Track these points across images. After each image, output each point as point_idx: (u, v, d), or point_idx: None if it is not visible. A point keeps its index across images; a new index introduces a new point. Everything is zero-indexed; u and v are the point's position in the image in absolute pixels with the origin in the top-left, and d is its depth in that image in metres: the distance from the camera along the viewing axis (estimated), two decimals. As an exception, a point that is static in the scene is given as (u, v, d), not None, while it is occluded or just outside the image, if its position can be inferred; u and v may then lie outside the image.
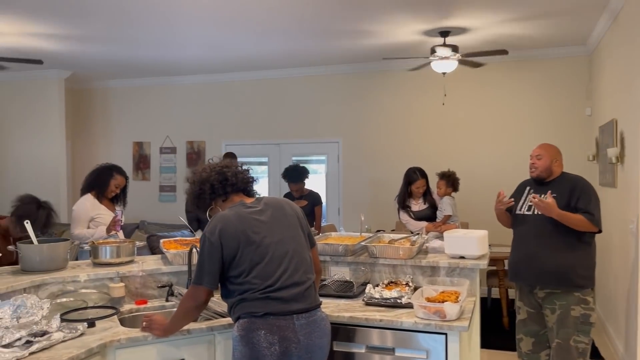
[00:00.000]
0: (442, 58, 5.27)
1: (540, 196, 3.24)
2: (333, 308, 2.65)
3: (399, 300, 2.64)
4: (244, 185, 2.43)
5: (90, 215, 4.06)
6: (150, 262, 3.08)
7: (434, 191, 5.00)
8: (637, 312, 3.63)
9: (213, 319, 2.56)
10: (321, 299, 2.36)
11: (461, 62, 5.42)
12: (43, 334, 2.17)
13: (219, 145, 7.62)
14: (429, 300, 2.55)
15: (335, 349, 2.55)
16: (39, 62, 5.40)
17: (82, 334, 2.29)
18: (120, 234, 4.18)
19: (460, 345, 2.41)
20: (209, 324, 2.46)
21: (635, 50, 3.88)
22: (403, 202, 4.92)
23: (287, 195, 5.62)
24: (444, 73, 5.56)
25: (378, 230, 5.76)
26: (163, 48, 6.04)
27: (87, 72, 7.53)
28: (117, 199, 4.26)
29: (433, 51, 5.30)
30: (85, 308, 2.59)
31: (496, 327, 5.22)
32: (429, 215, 4.87)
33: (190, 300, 2.23)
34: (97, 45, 5.91)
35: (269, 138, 7.49)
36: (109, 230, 4.03)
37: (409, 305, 2.58)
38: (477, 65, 5.57)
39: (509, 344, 4.30)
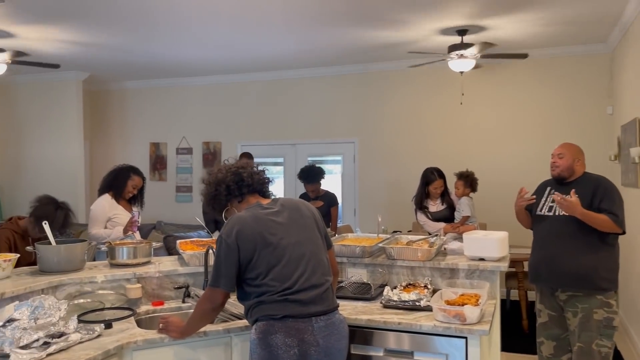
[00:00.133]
0: (459, 57, 5.21)
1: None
2: (350, 310, 2.61)
3: (417, 303, 2.59)
4: (260, 186, 2.41)
5: (107, 215, 4.08)
6: (167, 263, 3.08)
7: (451, 192, 4.93)
8: (662, 315, 3.54)
9: (229, 320, 2.55)
10: (338, 301, 2.33)
11: (487, 57, 5.33)
12: (60, 335, 2.17)
13: (235, 146, 7.63)
14: (448, 303, 2.50)
15: (352, 352, 2.52)
16: (56, 66, 5.45)
17: (99, 335, 2.29)
18: (137, 235, 4.20)
19: (481, 349, 2.37)
20: (226, 326, 2.44)
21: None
22: (420, 203, 4.86)
23: (302, 196, 5.59)
24: (461, 72, 5.49)
25: (394, 231, 5.72)
26: (179, 49, 6.06)
27: (105, 74, 7.59)
28: (135, 199, 4.27)
29: (450, 50, 5.24)
30: (102, 309, 2.59)
31: (516, 329, 5.14)
32: (447, 216, 4.81)
33: (206, 303, 2.21)
34: (114, 47, 5.95)
35: (284, 138, 7.48)
36: (125, 230, 4.04)
37: (428, 308, 2.54)
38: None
39: (529, 347, 4.22)
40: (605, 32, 5.50)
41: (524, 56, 5.18)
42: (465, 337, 2.35)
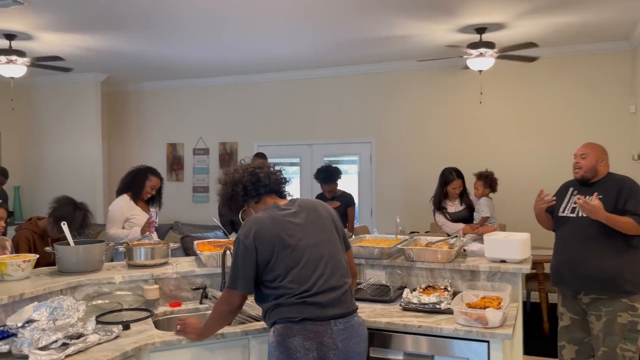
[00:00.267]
0: (478, 55, 5.14)
1: (586, 197, 3.10)
2: (369, 313, 2.58)
3: (437, 306, 2.55)
4: (277, 186, 2.38)
5: (125, 216, 4.10)
6: (184, 264, 3.07)
7: (470, 192, 4.86)
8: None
9: (247, 322, 2.53)
10: (357, 304, 2.29)
11: (500, 57, 5.26)
12: (79, 336, 2.17)
13: (251, 146, 7.63)
14: (469, 306, 2.45)
15: (371, 355, 2.48)
16: (68, 69, 5.51)
17: (117, 337, 2.28)
18: (154, 235, 4.21)
19: (503, 353, 2.31)
20: (243, 328, 2.42)
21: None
22: (439, 204, 4.79)
23: (319, 196, 5.56)
24: (480, 71, 5.42)
25: (412, 232, 5.67)
26: (196, 50, 6.08)
27: (123, 75, 7.65)
28: (153, 200, 4.29)
29: (469, 48, 5.17)
30: (120, 310, 2.59)
31: (536, 332, 5.06)
32: (466, 216, 4.74)
33: (224, 305, 2.19)
34: (132, 49, 5.98)
35: (300, 139, 7.46)
36: (143, 231, 4.06)
37: (449, 311, 2.49)
38: (531, 59, 5.36)
39: (550, 351, 4.15)
40: (628, 29, 5.39)
41: (533, 45, 5.05)
42: (488, 341, 2.30)
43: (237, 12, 4.68)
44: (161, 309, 2.75)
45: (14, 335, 2.13)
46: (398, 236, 3.42)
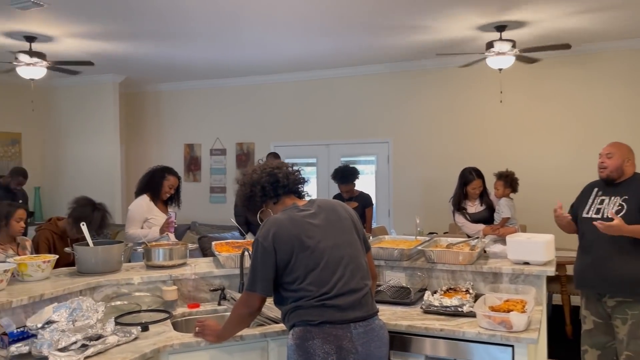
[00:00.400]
0: (498, 53, 5.06)
1: (610, 199, 3.02)
2: (390, 315, 2.54)
3: (460, 309, 2.50)
4: (295, 186, 2.34)
5: (145, 215, 4.11)
6: (202, 265, 3.06)
7: (491, 192, 4.78)
8: None
9: (266, 324, 2.50)
10: (377, 306, 2.25)
11: (518, 57, 5.18)
12: (98, 337, 2.17)
13: (268, 147, 7.62)
14: (493, 309, 2.39)
15: (391, 358, 2.44)
16: (90, 63, 5.51)
17: (136, 338, 2.28)
18: (172, 236, 4.21)
19: (528, 358, 2.25)
20: (262, 330, 2.40)
21: None
22: (458, 204, 4.72)
23: (336, 197, 5.52)
24: (500, 69, 5.34)
25: (430, 233, 5.60)
26: (213, 50, 6.08)
27: (140, 76, 7.69)
28: (172, 200, 4.30)
29: (489, 46, 5.09)
30: (139, 311, 2.59)
31: (558, 335, 4.96)
32: (486, 217, 4.66)
33: (243, 307, 2.16)
34: (149, 50, 6.01)
35: (317, 139, 7.43)
36: (162, 230, 4.07)
37: (471, 314, 2.44)
38: (533, 60, 5.31)
39: (573, 354, 4.06)
40: (653, 25, 5.26)
41: (566, 47, 4.97)
42: (512, 346, 2.24)
43: (254, 12, 4.66)
44: (179, 310, 2.74)
45: (34, 336, 2.14)
46: (418, 237, 3.37)
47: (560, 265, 4.85)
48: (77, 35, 5.34)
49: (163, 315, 2.55)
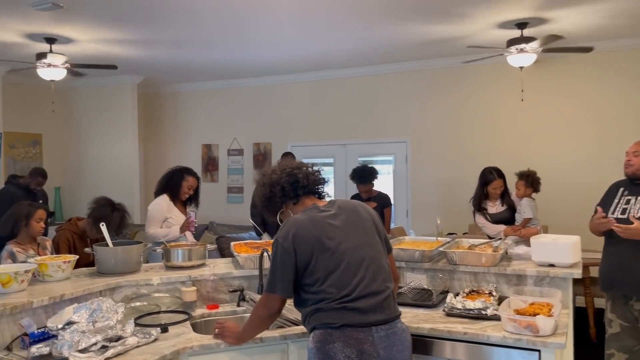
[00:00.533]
0: (519, 51, 4.98)
1: (637, 199, 2.93)
2: (411, 318, 2.49)
3: (483, 312, 2.44)
4: (315, 187, 2.31)
5: (164, 215, 4.12)
6: (221, 266, 3.04)
7: (512, 192, 4.70)
8: None
9: (286, 326, 2.47)
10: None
11: (543, 51, 5.08)
12: (118, 338, 2.16)
13: (285, 147, 7.60)
14: (518, 312, 2.33)
15: (413, 362, 2.40)
16: (114, 67, 5.57)
17: (155, 340, 2.26)
18: (189, 236, 4.22)
19: (555, 363, 2.19)
20: (282, 332, 2.37)
21: None
22: (479, 204, 4.65)
23: (354, 197, 5.48)
24: (521, 67, 5.25)
25: (449, 234, 5.53)
26: (230, 51, 6.08)
27: (158, 77, 7.73)
28: (190, 200, 4.30)
29: (509, 44, 5.01)
30: (158, 312, 2.58)
31: (582, 338, 4.85)
32: (507, 217, 4.58)
33: (263, 309, 2.13)
34: (167, 51, 6.03)
35: (334, 139, 7.39)
36: (182, 229, 4.07)
37: (495, 318, 2.38)
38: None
39: (597, 358, 3.96)
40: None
41: (588, 50, 4.88)
42: (539, 350, 2.18)
43: (271, 12, 4.64)
44: (199, 311, 2.73)
45: (54, 337, 2.14)
46: (439, 238, 3.31)
47: (583, 267, 4.75)
48: (96, 37, 5.38)
49: (182, 317, 2.54)
